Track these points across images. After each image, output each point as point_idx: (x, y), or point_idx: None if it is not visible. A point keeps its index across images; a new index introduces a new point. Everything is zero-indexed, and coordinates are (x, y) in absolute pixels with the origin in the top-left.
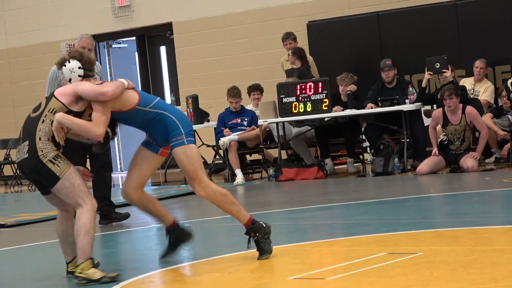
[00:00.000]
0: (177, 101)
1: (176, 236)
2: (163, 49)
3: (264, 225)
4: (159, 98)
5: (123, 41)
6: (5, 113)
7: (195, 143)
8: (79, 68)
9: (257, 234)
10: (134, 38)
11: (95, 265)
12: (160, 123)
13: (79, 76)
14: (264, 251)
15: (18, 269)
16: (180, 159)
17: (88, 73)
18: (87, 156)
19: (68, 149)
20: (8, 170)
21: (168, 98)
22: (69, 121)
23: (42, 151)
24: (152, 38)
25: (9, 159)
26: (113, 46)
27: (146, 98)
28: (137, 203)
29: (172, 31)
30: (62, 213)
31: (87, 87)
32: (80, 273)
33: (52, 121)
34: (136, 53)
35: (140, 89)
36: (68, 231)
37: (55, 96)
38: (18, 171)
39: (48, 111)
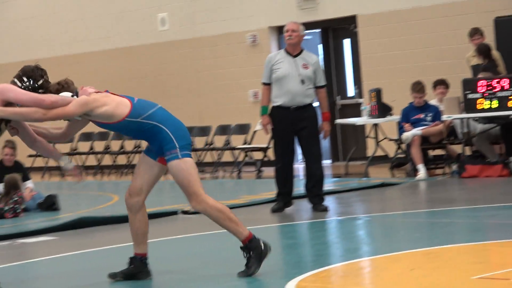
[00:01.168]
0: (360, 95)
1: (135, 269)
2: (346, 42)
3: (263, 246)
4: (157, 107)
5: (308, 33)
6: (191, 101)
7: (190, 157)
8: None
9: (251, 253)
10: (317, 30)
11: None
12: (154, 136)
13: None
14: (246, 272)
15: (205, 256)
16: (175, 173)
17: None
18: None
19: None
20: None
21: (351, 91)
22: (8, 112)
23: None
24: (336, 31)
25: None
26: None
27: (138, 109)
28: (132, 208)
29: (356, 24)
30: None
31: (24, 95)
32: None
33: None
34: (320, 46)
35: None
36: None
37: None
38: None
39: None
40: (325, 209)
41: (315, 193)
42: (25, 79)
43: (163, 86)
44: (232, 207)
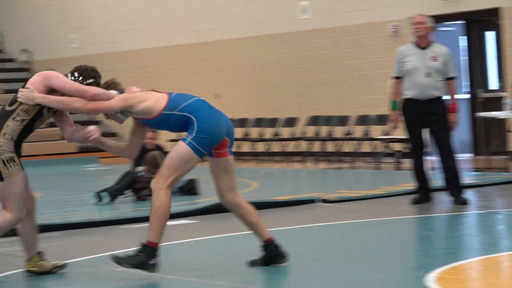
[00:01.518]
0: (503, 88)
1: (270, 254)
2: (490, 35)
3: (150, 262)
4: (194, 99)
5: (449, 24)
6: (330, 90)
7: (195, 150)
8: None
9: (138, 254)
10: (460, 22)
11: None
12: (188, 126)
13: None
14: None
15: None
16: (172, 149)
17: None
18: None
19: None
20: (330, 147)
21: (494, 84)
22: (50, 100)
23: (0, 147)
24: (479, 23)
25: (348, 135)
26: (440, 29)
27: (175, 101)
28: (231, 206)
29: (500, 17)
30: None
31: (68, 83)
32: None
33: (23, 119)
34: (462, 38)
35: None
36: (23, 229)
37: None
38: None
39: (21, 110)
40: (464, 202)
41: (453, 185)
42: (76, 75)
43: (302, 75)
44: (370, 198)
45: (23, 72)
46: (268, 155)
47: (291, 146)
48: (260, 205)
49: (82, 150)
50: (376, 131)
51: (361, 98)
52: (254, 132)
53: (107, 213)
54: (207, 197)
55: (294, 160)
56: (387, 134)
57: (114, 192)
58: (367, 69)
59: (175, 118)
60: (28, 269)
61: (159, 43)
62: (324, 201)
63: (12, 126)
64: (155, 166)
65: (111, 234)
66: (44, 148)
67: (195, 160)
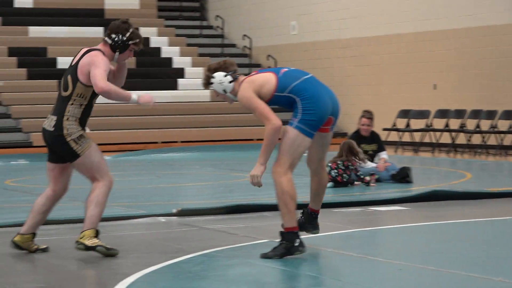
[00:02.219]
0: None
1: (306, 220)
2: None
3: (295, 244)
4: (302, 79)
5: None
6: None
7: (304, 132)
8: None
9: (281, 243)
10: None
11: (97, 236)
12: (294, 108)
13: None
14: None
15: None
16: (284, 136)
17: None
18: None
19: None
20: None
21: None
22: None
23: (68, 130)
24: None
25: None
26: None
27: (283, 82)
28: (313, 171)
29: None
30: (50, 191)
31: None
32: (81, 238)
33: (81, 104)
34: None
35: None
36: (43, 209)
37: (80, 81)
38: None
39: (77, 96)
40: None
41: None
42: (113, 36)
43: None
44: None
45: (244, 58)
46: (484, 148)
47: (508, 139)
48: (476, 195)
49: None
50: None
51: None
52: (471, 124)
53: None
54: (420, 185)
55: (510, 153)
56: None
57: None
58: None
59: (285, 99)
60: (13, 241)
61: (378, 32)
62: None
63: (72, 110)
64: (351, 153)
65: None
66: (257, 133)
67: (307, 142)
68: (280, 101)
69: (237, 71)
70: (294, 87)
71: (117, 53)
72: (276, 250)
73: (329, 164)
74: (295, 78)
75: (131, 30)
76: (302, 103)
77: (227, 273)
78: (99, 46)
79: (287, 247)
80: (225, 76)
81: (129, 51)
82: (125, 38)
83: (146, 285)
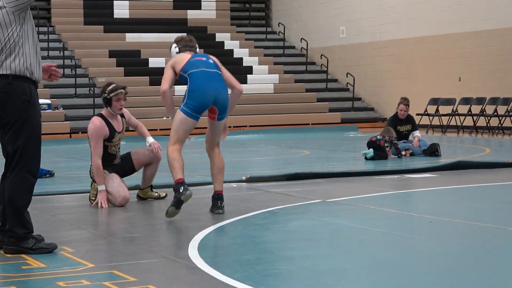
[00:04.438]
0: None
1: (212, 201)
2: None
3: (181, 191)
4: (199, 69)
5: None
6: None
7: (187, 114)
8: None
9: (175, 193)
10: None
11: None
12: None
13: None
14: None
15: None
16: None
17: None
18: None
19: None
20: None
21: None
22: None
23: None
24: None
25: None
26: None
27: (187, 67)
28: (208, 153)
29: None
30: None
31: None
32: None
33: None
34: None
35: None
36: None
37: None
38: None
39: None
40: None
41: None
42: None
43: None
44: None
45: (301, 57)
46: (501, 129)
47: None
48: (493, 165)
49: (344, 121)
50: None
51: None
52: (489, 109)
53: (362, 166)
54: (447, 158)
55: None
56: None
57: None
58: None
59: (185, 79)
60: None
61: (411, 34)
62: None
63: None
64: (389, 133)
65: (367, 182)
66: (312, 118)
67: (190, 122)
68: (183, 79)
69: (189, 46)
70: (190, 74)
71: (109, 108)
72: (171, 202)
73: (379, 137)
74: (195, 67)
75: (109, 88)
76: (188, 89)
77: (286, 225)
78: (103, 111)
79: (176, 196)
80: (175, 47)
81: (116, 102)
82: (106, 95)
83: (222, 234)
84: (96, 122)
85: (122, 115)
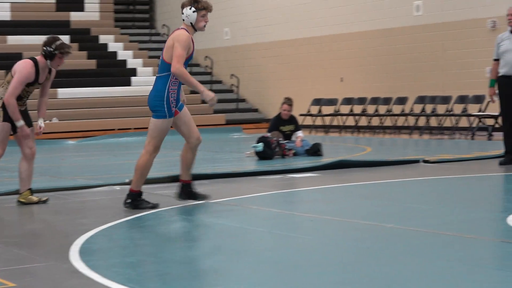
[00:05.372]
0: None
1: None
2: None
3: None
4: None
5: None
6: (436, 75)
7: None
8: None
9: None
10: None
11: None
12: None
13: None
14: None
15: None
16: None
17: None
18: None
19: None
20: (433, 122)
21: None
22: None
23: None
24: None
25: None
26: None
27: (169, 67)
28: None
29: None
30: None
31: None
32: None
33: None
34: None
35: None
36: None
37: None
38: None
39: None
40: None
41: None
42: (44, 48)
43: (415, 63)
44: (465, 160)
45: None
46: (382, 128)
47: (401, 121)
48: (374, 163)
49: (228, 122)
50: (473, 109)
51: (461, 81)
52: (371, 109)
53: (246, 167)
54: (329, 157)
55: (403, 132)
56: (482, 111)
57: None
58: (467, 57)
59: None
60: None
61: (294, 36)
62: (426, 161)
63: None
64: (278, 136)
65: (250, 182)
66: (196, 120)
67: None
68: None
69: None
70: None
71: (48, 61)
72: (150, 204)
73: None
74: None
75: (57, 42)
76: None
77: (170, 227)
78: (38, 58)
79: (151, 205)
80: (191, 9)
81: (58, 59)
82: (52, 49)
83: (104, 237)
84: (29, 68)
85: (50, 71)
